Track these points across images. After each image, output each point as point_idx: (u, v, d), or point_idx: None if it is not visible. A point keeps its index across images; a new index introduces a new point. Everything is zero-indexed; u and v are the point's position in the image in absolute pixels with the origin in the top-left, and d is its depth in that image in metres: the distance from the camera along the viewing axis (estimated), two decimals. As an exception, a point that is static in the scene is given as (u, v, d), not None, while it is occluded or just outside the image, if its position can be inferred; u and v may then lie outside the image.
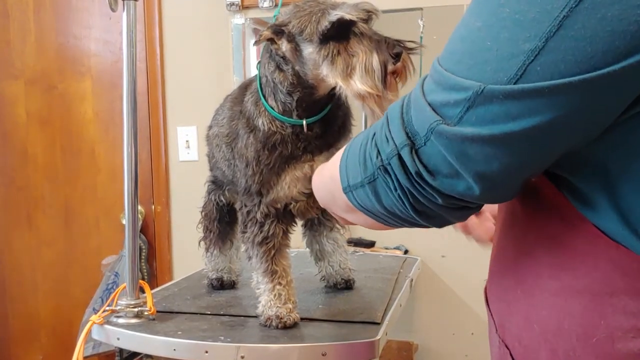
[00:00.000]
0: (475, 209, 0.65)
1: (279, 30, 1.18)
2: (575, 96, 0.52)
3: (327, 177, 0.76)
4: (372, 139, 0.65)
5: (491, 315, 0.79)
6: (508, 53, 0.53)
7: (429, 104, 0.58)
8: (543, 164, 0.60)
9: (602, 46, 0.50)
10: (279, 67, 1.23)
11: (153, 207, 2.63)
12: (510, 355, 0.73)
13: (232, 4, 2.42)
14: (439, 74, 0.59)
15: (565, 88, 0.52)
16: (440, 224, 0.68)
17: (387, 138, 0.62)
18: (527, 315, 0.70)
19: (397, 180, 0.62)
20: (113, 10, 1.37)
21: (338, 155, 0.74)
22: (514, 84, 0.53)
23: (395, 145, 0.61)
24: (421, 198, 0.62)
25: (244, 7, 2.43)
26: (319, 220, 1.54)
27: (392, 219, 0.68)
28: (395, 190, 0.63)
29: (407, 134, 0.60)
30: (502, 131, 0.54)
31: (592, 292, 0.62)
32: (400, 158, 0.61)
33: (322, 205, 0.85)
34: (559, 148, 0.57)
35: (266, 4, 2.37)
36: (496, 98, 0.54)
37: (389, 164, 0.62)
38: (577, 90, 0.52)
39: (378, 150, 0.63)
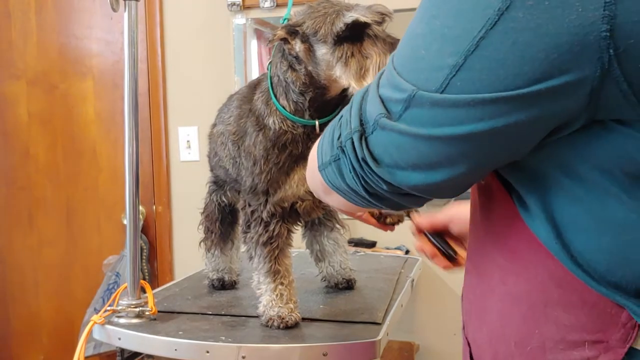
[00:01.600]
0: (423, 198, 0.67)
1: (293, 31, 1.19)
2: (490, 112, 0.54)
3: (311, 159, 0.79)
4: (340, 120, 0.69)
5: (462, 312, 0.81)
6: (436, 65, 0.56)
7: (380, 97, 0.62)
8: (473, 172, 0.62)
9: (512, 70, 0.53)
10: (291, 67, 1.24)
11: (154, 207, 2.63)
12: (470, 353, 0.75)
13: (233, 4, 2.42)
14: (390, 71, 0.62)
15: (481, 103, 0.54)
16: (394, 207, 0.70)
17: (347, 121, 0.66)
18: (480, 315, 0.72)
19: (351, 162, 0.66)
20: (114, 10, 1.37)
21: (320, 137, 0.77)
22: (440, 93, 0.56)
23: (351, 129, 0.65)
24: (369, 181, 0.65)
25: (245, 7, 2.43)
26: (319, 220, 1.54)
27: (356, 197, 0.70)
28: (350, 171, 0.66)
29: (360, 120, 0.64)
30: (430, 134, 0.58)
31: (530, 300, 0.64)
32: (352, 142, 0.64)
33: (311, 190, 0.86)
34: (483, 159, 0.60)
35: (267, 4, 2.37)
36: (425, 104, 0.57)
37: (345, 146, 0.66)
38: (492, 107, 0.54)
39: (340, 132, 0.67)
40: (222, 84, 2.42)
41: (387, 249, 2.25)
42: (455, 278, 2.28)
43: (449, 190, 0.64)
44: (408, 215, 1.11)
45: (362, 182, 0.66)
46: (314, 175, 0.76)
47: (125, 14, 1.40)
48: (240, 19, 2.45)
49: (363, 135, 0.63)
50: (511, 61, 0.52)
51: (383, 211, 1.21)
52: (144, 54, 2.54)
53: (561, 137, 0.57)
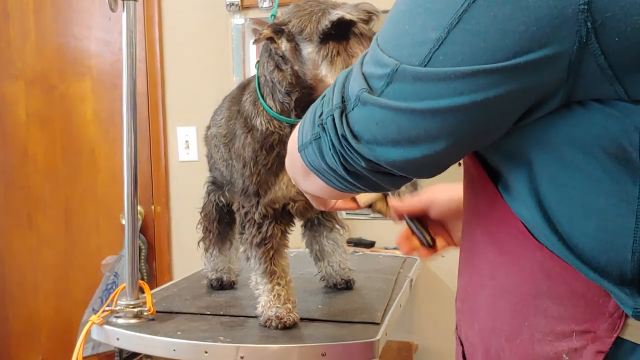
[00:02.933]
0: (401, 177, 0.68)
1: (278, 29, 1.18)
2: (471, 86, 0.55)
3: (291, 143, 0.79)
4: (322, 99, 0.69)
5: (456, 313, 0.81)
6: (419, 39, 0.57)
7: (362, 74, 0.62)
8: (452, 150, 0.62)
9: (493, 43, 0.53)
10: (278, 67, 1.23)
11: (153, 207, 2.63)
12: (462, 352, 0.76)
13: (231, 4, 2.42)
14: (374, 48, 0.63)
15: (462, 77, 0.55)
16: (373, 187, 0.70)
17: (329, 100, 0.66)
18: (472, 313, 0.72)
19: (331, 139, 0.66)
20: (113, 10, 1.37)
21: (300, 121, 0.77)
22: (423, 67, 0.56)
23: (332, 107, 0.65)
24: (349, 159, 0.65)
25: (243, 7, 2.43)
26: (318, 220, 1.54)
27: (334, 178, 0.70)
28: (330, 149, 0.66)
29: (342, 97, 0.64)
30: (411, 107, 0.58)
31: (519, 293, 0.64)
32: (333, 119, 0.65)
33: (290, 177, 0.85)
34: (463, 135, 0.60)
35: (266, 4, 2.37)
36: (407, 78, 0.57)
37: (326, 123, 0.66)
38: (473, 80, 0.55)
39: (322, 110, 0.67)
40: (221, 84, 2.42)
41: (386, 249, 2.25)
42: (455, 278, 2.28)
43: (427, 169, 0.65)
44: (385, 199, 1.08)
45: (342, 160, 0.66)
46: (294, 160, 0.76)
47: (124, 14, 1.40)
48: (238, 19, 2.45)
49: (344, 111, 0.64)
50: (492, 34, 0.53)
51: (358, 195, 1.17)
52: (142, 54, 2.54)
53: (542, 118, 0.58)
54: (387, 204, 1.11)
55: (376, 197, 1.15)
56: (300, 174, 0.78)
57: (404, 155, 0.62)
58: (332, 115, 0.65)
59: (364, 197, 1.11)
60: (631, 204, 0.56)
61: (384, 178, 0.67)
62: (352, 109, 0.63)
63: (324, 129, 0.66)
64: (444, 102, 0.56)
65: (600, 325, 0.59)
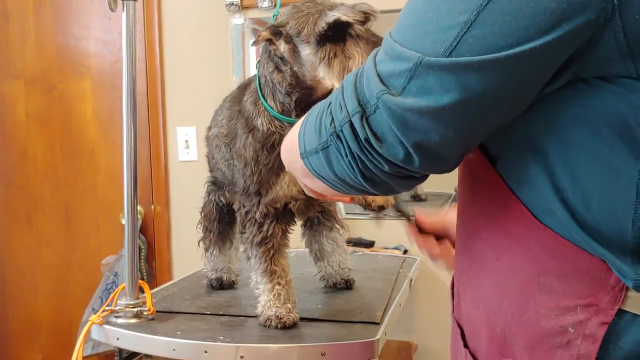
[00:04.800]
0: (421, 178, 0.68)
1: (277, 31, 1.18)
2: (501, 72, 0.55)
3: (289, 142, 0.79)
4: (328, 107, 0.68)
5: (452, 297, 0.83)
6: (446, 24, 0.56)
7: (378, 74, 0.61)
8: (476, 137, 0.63)
9: (524, 21, 0.54)
10: (277, 68, 1.23)
11: (152, 207, 2.63)
12: (462, 334, 0.77)
13: (231, 4, 2.42)
14: (389, 45, 0.61)
15: (492, 63, 0.55)
16: (386, 192, 0.71)
17: (340, 106, 0.65)
18: (475, 295, 0.74)
19: (348, 146, 0.65)
20: (112, 10, 1.37)
21: (299, 122, 0.76)
22: (449, 54, 0.56)
23: (348, 113, 0.64)
24: (369, 164, 0.65)
25: (243, 7, 2.43)
26: (318, 220, 1.54)
27: (342, 185, 0.70)
28: (346, 156, 0.66)
29: (359, 101, 0.63)
30: (437, 103, 0.57)
31: (525, 272, 0.66)
32: (351, 125, 0.64)
33: (286, 167, 0.86)
34: (489, 122, 0.61)
35: (265, 4, 2.37)
36: (432, 69, 0.57)
37: (341, 131, 0.65)
38: (503, 66, 0.55)
39: (332, 118, 0.66)
40: (221, 84, 2.42)
41: (386, 248, 2.25)
42: (454, 278, 2.28)
43: (451, 163, 0.65)
44: (407, 218, 1.10)
45: (360, 167, 0.65)
46: (293, 160, 0.76)
47: (124, 14, 1.40)
48: (238, 19, 2.45)
49: (364, 115, 0.63)
50: (523, 13, 0.53)
51: (368, 199, 1.21)
52: (142, 54, 2.54)
53: (547, 99, 0.59)
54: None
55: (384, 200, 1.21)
56: (300, 173, 0.78)
57: (429, 154, 0.62)
58: (350, 121, 0.64)
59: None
60: (632, 178, 0.58)
61: (401, 182, 0.67)
62: (374, 112, 0.62)
63: (338, 137, 0.65)
64: (471, 91, 0.56)
65: (602, 298, 0.61)
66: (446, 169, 0.66)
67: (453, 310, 0.82)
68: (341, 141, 0.65)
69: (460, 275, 0.79)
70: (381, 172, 0.65)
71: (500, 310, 0.69)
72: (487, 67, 0.55)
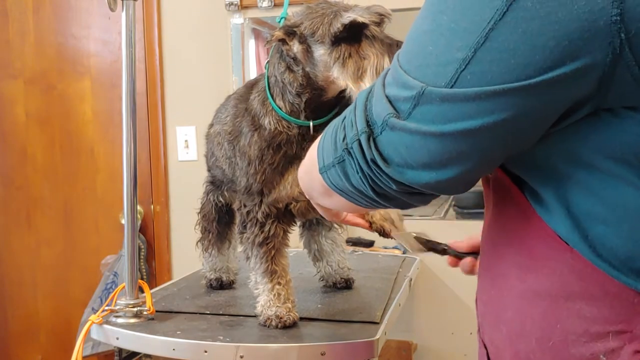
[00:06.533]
0: (431, 195, 0.68)
1: (291, 31, 1.19)
2: (501, 106, 0.55)
3: (308, 160, 0.79)
4: (343, 122, 0.68)
5: (477, 315, 0.81)
6: (445, 59, 0.56)
7: (386, 97, 0.61)
8: (484, 165, 0.63)
9: (523, 59, 0.53)
10: (289, 68, 1.24)
11: (152, 207, 2.63)
12: (487, 355, 0.75)
13: (231, 4, 2.42)
14: (396, 69, 0.61)
15: (492, 96, 0.54)
16: (402, 206, 0.70)
17: (352, 123, 0.66)
18: (497, 316, 0.72)
19: (358, 163, 0.65)
20: (112, 10, 1.37)
21: (318, 139, 0.76)
22: (451, 87, 0.56)
23: (357, 131, 0.64)
24: (378, 182, 0.65)
25: (242, 7, 2.43)
26: (317, 220, 1.53)
27: (362, 198, 0.70)
28: (357, 172, 0.66)
29: (367, 121, 0.63)
30: (440, 130, 0.57)
31: (551, 295, 0.64)
32: (360, 143, 0.64)
33: (305, 193, 0.86)
34: (494, 151, 0.60)
35: (265, 4, 2.37)
36: (434, 100, 0.57)
37: (352, 148, 0.65)
38: (503, 101, 0.54)
39: (345, 133, 0.67)
40: (220, 84, 2.42)
41: (385, 248, 2.25)
42: (454, 277, 2.28)
43: (459, 186, 0.65)
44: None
45: (370, 183, 0.66)
46: (312, 177, 0.75)
47: (123, 14, 1.40)
48: (238, 19, 2.45)
49: (371, 136, 0.63)
50: (522, 51, 0.53)
51: (386, 228, 1.25)
52: (141, 53, 2.54)
53: (569, 127, 0.58)
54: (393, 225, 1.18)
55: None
56: (319, 192, 0.78)
57: (437, 177, 0.62)
58: (358, 139, 0.64)
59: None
60: None
61: (414, 198, 0.67)
62: (380, 133, 0.62)
63: (349, 153, 0.66)
64: (475, 122, 0.56)
65: (636, 324, 0.59)
66: (457, 189, 0.66)
67: (479, 329, 0.80)
68: (352, 157, 0.66)
69: (482, 294, 0.78)
70: (391, 189, 0.65)
71: (523, 334, 0.67)
72: (486, 99, 0.55)
